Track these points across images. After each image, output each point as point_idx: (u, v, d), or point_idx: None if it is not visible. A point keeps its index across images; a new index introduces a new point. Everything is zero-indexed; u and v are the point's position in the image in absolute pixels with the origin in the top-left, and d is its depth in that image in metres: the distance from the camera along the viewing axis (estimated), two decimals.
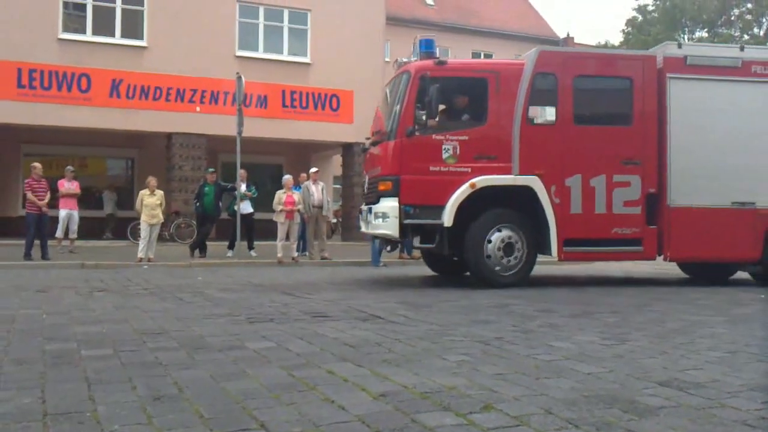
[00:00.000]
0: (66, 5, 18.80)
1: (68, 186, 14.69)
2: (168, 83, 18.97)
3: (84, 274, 10.61)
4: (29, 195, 13.00)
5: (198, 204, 14.71)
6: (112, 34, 18.88)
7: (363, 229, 9.98)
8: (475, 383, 3.58)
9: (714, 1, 29.08)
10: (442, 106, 9.42)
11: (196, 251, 14.40)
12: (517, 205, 9.14)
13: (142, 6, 19.13)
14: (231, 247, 14.73)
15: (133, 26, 19.04)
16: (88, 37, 18.73)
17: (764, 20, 29.56)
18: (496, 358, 4.29)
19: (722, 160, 9.63)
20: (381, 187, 9.10)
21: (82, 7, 18.88)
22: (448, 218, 8.76)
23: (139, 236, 13.32)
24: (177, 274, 9.91)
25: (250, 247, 15.00)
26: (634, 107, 9.52)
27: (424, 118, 8.83)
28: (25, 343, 4.62)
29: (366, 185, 10.17)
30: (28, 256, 12.60)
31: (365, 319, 5.97)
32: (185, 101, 19.23)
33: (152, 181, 13.37)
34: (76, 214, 14.71)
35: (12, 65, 17.83)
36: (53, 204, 14.00)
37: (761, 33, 29.33)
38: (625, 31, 30.86)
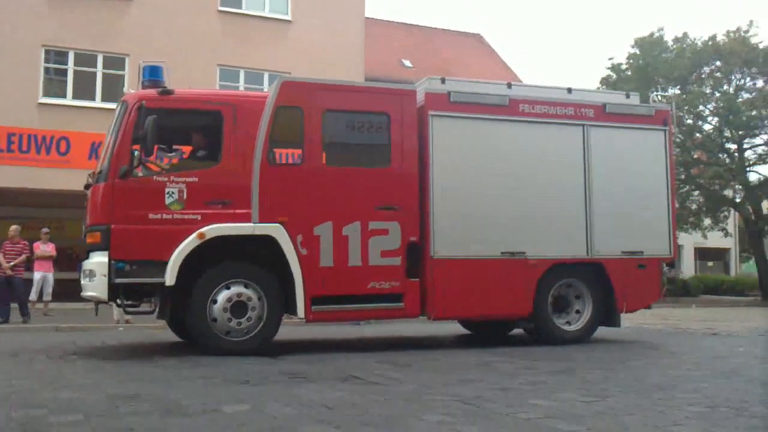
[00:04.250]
0: (47, 71, 18.95)
1: (43, 248, 14.57)
2: None
3: (58, 338, 10.41)
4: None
5: None
6: (93, 98, 18.98)
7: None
8: None
9: (684, 59, 29.79)
10: (171, 144, 8.58)
11: None
12: (263, 259, 7.93)
13: (124, 70, 19.31)
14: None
15: (114, 90, 19.18)
16: (69, 101, 18.84)
17: (733, 77, 30.30)
18: (477, 417, 4.23)
19: (491, 206, 8.76)
20: (89, 240, 7.79)
21: (63, 72, 19.04)
22: (170, 276, 7.38)
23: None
24: (153, 335, 9.75)
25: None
26: (393, 147, 8.48)
27: (142, 155, 7.67)
28: None
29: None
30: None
31: (344, 379, 5.88)
32: None
33: None
34: (50, 276, 14.57)
35: None
36: (29, 266, 13.88)
37: (731, 90, 30.02)
38: (600, 89, 31.46)
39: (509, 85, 9.33)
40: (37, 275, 14.39)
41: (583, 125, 9.24)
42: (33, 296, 14.28)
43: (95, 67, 19.18)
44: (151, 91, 7.90)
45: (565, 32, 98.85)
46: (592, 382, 5.75)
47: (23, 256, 13.42)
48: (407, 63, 31.81)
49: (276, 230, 7.81)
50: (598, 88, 30.88)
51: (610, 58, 32.18)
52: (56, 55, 19.23)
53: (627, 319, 13.78)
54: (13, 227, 13.54)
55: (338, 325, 12.61)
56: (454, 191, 8.60)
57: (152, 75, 8.22)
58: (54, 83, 19.20)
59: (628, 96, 10.08)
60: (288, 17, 21.43)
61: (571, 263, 9.09)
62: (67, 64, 19.08)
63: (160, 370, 6.42)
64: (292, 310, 7.94)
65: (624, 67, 31.31)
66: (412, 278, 8.33)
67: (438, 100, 8.69)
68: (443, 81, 8.97)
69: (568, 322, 9.16)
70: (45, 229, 15.17)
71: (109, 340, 9.92)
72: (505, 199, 8.83)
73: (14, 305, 13.06)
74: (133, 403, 4.71)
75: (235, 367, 6.62)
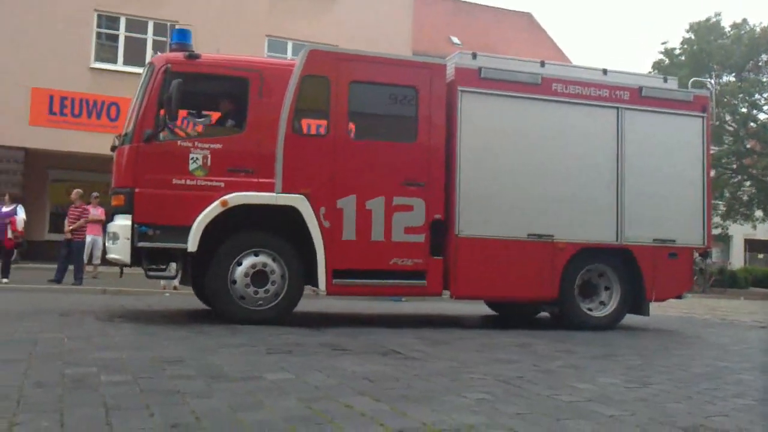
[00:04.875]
0: (99, 36, 19.24)
1: (93, 212, 14.87)
2: None
3: (106, 300, 10.66)
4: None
5: None
6: (143, 64, 19.22)
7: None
8: (494, 422, 3.52)
9: (741, 46, 29.00)
10: (198, 109, 8.56)
11: None
12: (284, 229, 7.88)
13: None
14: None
15: None
16: (119, 66, 19.12)
17: None
18: (517, 397, 4.22)
19: (519, 187, 8.60)
20: (114, 202, 7.78)
21: (114, 38, 19.31)
22: (192, 242, 7.37)
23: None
24: (197, 302, 9.90)
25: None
26: (420, 121, 8.32)
27: (167, 120, 7.57)
28: (45, 366, 4.62)
29: None
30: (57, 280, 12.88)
31: (385, 353, 5.92)
32: None
33: None
34: (100, 240, 14.88)
35: (44, 92, 18.21)
36: None
37: None
38: (652, 74, 30.87)
39: (542, 64, 9.06)
40: (87, 238, 14.72)
41: (618, 108, 9.02)
42: (84, 259, 14.64)
43: (145, 33, 19.42)
44: (178, 55, 7.84)
45: (619, 15, 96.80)
46: (634, 369, 5.69)
47: (82, 220, 13.75)
48: (455, 40, 31.50)
49: (299, 201, 7.76)
50: (650, 72, 30.29)
51: (663, 43, 31.78)
52: (108, 20, 19.52)
53: (673, 308, 13.64)
54: (75, 191, 13.89)
55: (377, 300, 12.68)
56: (481, 169, 8.47)
57: (180, 38, 8.14)
58: (105, 48, 19.51)
59: (665, 80, 9.78)
60: None
61: (599, 248, 8.93)
62: (118, 30, 19.36)
63: (203, 337, 6.53)
64: (313, 282, 7.92)
65: (678, 52, 30.63)
66: (435, 256, 8.23)
67: (468, 76, 8.50)
68: (474, 56, 8.75)
69: (596, 308, 9.01)
70: (95, 194, 15.47)
71: (155, 305, 10.13)
72: (534, 180, 8.67)
73: (71, 268, 13.40)
74: (178, 366, 4.81)
75: (277, 337, 6.70)
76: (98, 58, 19.10)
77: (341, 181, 7.96)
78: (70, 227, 13.47)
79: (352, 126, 8.48)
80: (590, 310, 8.98)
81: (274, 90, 7.85)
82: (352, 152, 8.11)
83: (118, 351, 5.42)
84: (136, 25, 19.52)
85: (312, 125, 8.67)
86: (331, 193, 7.90)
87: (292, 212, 7.76)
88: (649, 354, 6.86)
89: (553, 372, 5.31)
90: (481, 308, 11.33)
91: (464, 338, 7.50)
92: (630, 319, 9.50)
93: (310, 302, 11.69)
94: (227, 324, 7.44)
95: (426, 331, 7.97)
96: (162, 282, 12.73)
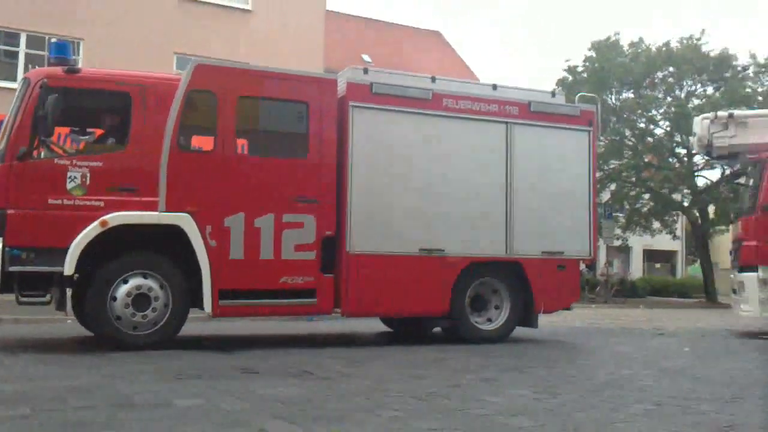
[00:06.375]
0: None
1: None
2: None
3: (2, 329, 10.15)
4: None
5: None
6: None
7: None
8: None
9: (639, 64, 30.36)
10: (79, 126, 8.23)
11: None
12: (170, 249, 7.59)
13: (78, 55, 18.90)
14: None
15: None
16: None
17: (684, 83, 31.00)
18: (430, 413, 4.26)
19: (410, 202, 8.56)
20: None
21: (14, 55, 18.61)
22: (69, 265, 6.99)
23: None
24: None
25: None
26: (311, 137, 8.19)
27: (43, 137, 7.20)
28: None
29: None
30: None
31: (298, 374, 5.87)
32: None
33: None
34: None
35: None
36: None
37: (682, 95, 30.71)
38: (556, 90, 31.76)
39: (433, 79, 9.04)
40: None
41: (507, 123, 9.13)
42: None
43: (18, 46, 18.74)
44: (56, 69, 7.47)
45: (525, 33, 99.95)
46: (543, 380, 5.84)
47: None
48: (366, 58, 31.77)
49: (183, 220, 7.50)
50: (555, 89, 31.30)
51: (566, 60, 32.69)
52: (6, 37, 18.77)
53: (576, 318, 14.07)
54: None
55: (291, 321, 12.55)
56: (372, 185, 8.42)
57: (59, 52, 7.73)
58: (3, 66, 18.74)
59: (553, 95, 9.97)
60: (248, 7, 21.27)
61: (489, 262, 9.03)
62: (18, 47, 18.64)
63: (109, 364, 6.31)
64: (200, 303, 7.63)
65: (580, 69, 31.76)
66: (326, 273, 8.10)
67: (359, 91, 8.44)
68: (366, 71, 8.76)
69: (487, 321, 9.08)
70: None
71: (56, 332, 9.71)
72: (425, 195, 8.67)
73: None
74: (82, 396, 4.63)
75: (187, 361, 6.55)
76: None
77: (229, 199, 7.75)
78: None
79: (240, 142, 8.34)
80: (484, 322, 9.07)
81: (158, 105, 7.59)
82: (240, 169, 7.94)
83: (17, 383, 5.17)
84: (38, 41, 18.83)
85: (199, 141, 8.39)
86: (218, 212, 7.69)
87: (178, 231, 7.52)
88: (556, 365, 7.05)
89: (465, 386, 5.39)
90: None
91: (379, 356, 7.52)
92: (538, 331, 9.72)
93: (220, 325, 11.48)
94: (137, 350, 7.20)
95: (340, 350, 7.94)
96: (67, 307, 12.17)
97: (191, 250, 7.53)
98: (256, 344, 8.56)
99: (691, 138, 14.96)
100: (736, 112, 12.74)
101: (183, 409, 4.24)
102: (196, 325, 10.51)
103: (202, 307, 7.65)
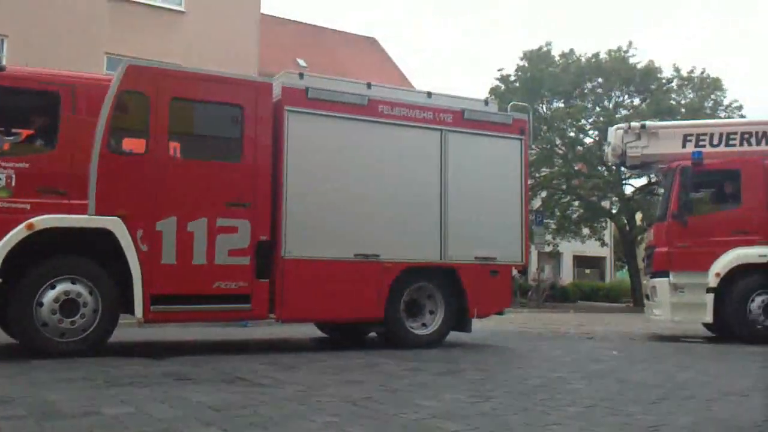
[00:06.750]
0: None
1: None
2: None
3: None
4: None
5: None
6: None
7: None
8: None
9: (570, 74, 31.13)
10: (5, 126, 8.01)
11: None
12: (102, 255, 7.41)
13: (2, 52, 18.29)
14: None
15: None
16: None
17: (612, 94, 31.95)
18: (364, 418, 4.26)
19: (346, 207, 8.61)
20: None
21: None
22: None
23: None
24: None
25: None
26: (245, 141, 8.16)
27: None
28: None
29: None
30: None
31: (231, 381, 5.79)
32: None
33: None
34: None
35: None
36: None
37: (611, 106, 31.63)
38: (489, 99, 32.21)
39: (369, 85, 9.11)
40: None
41: (441, 130, 9.26)
42: None
43: None
44: None
45: (459, 41, 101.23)
46: (477, 384, 5.91)
47: None
48: (302, 62, 31.67)
49: (114, 223, 7.33)
50: (488, 98, 31.77)
51: (499, 69, 33.27)
52: None
53: (509, 322, 14.31)
54: None
55: (225, 327, 12.39)
56: (308, 190, 8.40)
57: None
58: None
59: (486, 103, 10.16)
60: (181, 8, 20.96)
61: (424, 267, 9.11)
62: None
63: (36, 372, 6.10)
64: (131, 309, 7.47)
65: (513, 78, 32.38)
66: (261, 279, 8.06)
67: (295, 96, 8.44)
68: (301, 76, 8.75)
69: (421, 326, 9.15)
70: None
71: None
72: (361, 201, 8.72)
73: None
74: (6, 406, 4.45)
75: (117, 368, 6.38)
76: None
77: (161, 203, 7.63)
78: None
79: (173, 145, 8.20)
80: (419, 327, 9.14)
81: (88, 106, 7.43)
82: (173, 172, 7.81)
83: None
84: None
85: (130, 144, 8.17)
86: (150, 215, 7.55)
87: (108, 235, 7.34)
88: (490, 369, 7.16)
89: (400, 391, 5.41)
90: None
91: (314, 361, 7.48)
92: (472, 335, 9.86)
93: (152, 331, 11.25)
94: (65, 358, 6.99)
95: (275, 356, 7.87)
96: None
97: (122, 254, 7.35)
98: (189, 350, 8.42)
99: (605, 147, 15.35)
100: (649, 123, 13.08)
101: (112, 417, 4.13)
102: (127, 331, 10.29)
103: (133, 313, 7.46)
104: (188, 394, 5.01)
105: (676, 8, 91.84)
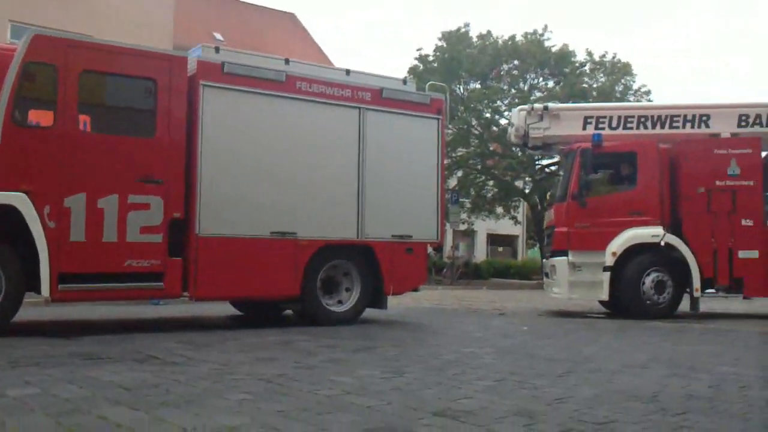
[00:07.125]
0: None
1: None
2: None
3: None
4: None
5: None
6: None
7: None
8: (257, 421, 3.54)
9: (486, 56, 31.55)
10: None
11: None
12: (4, 230, 7.14)
13: None
14: None
15: None
16: None
17: (528, 77, 32.59)
18: (279, 395, 4.27)
19: (262, 184, 8.56)
20: None
21: None
22: None
23: None
24: None
25: None
26: (158, 116, 7.96)
27: None
28: None
29: None
30: None
31: (142, 360, 5.69)
32: None
33: None
34: None
35: None
36: None
37: (526, 88, 32.27)
38: (408, 78, 32.36)
39: (287, 61, 9.05)
40: None
41: (360, 108, 9.30)
42: None
43: None
44: None
45: (380, 20, 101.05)
46: (391, 360, 6.00)
47: None
48: (218, 36, 31.00)
49: (19, 199, 7.07)
50: (406, 77, 31.93)
51: (418, 49, 33.44)
52: None
53: (424, 299, 14.53)
54: None
55: (135, 305, 12.12)
56: (223, 167, 8.30)
57: None
58: None
59: (405, 82, 10.24)
60: None
61: (341, 245, 9.17)
62: None
63: None
64: (38, 288, 7.23)
65: (431, 58, 32.57)
66: (174, 257, 7.94)
67: (211, 70, 8.30)
68: (217, 50, 8.58)
69: (337, 303, 9.23)
70: None
71: None
72: (277, 178, 8.68)
73: None
74: None
75: (23, 348, 6.17)
76: None
77: (69, 178, 7.38)
78: None
79: (83, 118, 7.90)
80: (335, 304, 9.21)
81: None
82: (82, 147, 7.55)
83: None
84: None
85: (37, 116, 7.85)
86: (58, 191, 7.30)
87: (13, 212, 7.07)
88: (405, 345, 7.27)
89: (314, 367, 5.44)
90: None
91: (228, 339, 7.42)
92: (388, 312, 9.97)
93: (60, 310, 10.91)
94: None
95: (188, 335, 7.77)
96: None
97: (28, 231, 7.09)
98: (99, 330, 8.21)
99: (508, 128, 15.70)
100: (551, 104, 13.38)
101: (17, 399, 4.00)
102: (33, 310, 9.95)
103: (39, 292, 7.23)
104: (97, 374, 4.90)
105: (676, 8, 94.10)
